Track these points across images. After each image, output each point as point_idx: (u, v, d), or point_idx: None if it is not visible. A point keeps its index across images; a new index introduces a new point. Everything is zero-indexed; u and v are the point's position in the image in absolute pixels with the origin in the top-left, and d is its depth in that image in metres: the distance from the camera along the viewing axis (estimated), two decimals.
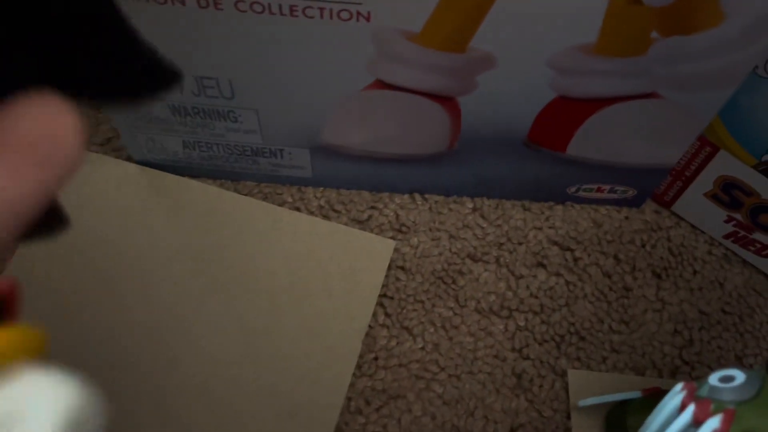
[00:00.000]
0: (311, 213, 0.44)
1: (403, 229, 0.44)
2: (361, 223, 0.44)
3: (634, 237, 0.45)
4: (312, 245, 0.42)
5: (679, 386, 0.29)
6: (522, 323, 0.41)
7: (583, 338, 0.41)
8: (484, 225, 0.44)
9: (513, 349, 0.41)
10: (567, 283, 0.43)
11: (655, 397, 0.34)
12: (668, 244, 0.45)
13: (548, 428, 0.39)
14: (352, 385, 0.39)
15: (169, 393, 0.37)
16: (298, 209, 0.44)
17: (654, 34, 0.33)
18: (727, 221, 0.44)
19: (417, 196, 0.45)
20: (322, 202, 0.45)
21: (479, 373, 0.40)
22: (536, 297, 0.42)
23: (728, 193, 0.42)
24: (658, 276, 0.44)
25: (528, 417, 0.39)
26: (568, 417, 0.39)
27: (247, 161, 0.43)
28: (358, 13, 0.32)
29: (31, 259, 0.40)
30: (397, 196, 0.45)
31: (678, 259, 0.44)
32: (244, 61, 0.35)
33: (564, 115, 0.38)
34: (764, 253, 0.44)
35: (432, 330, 0.41)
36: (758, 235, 0.43)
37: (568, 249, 0.44)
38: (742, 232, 0.43)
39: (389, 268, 0.42)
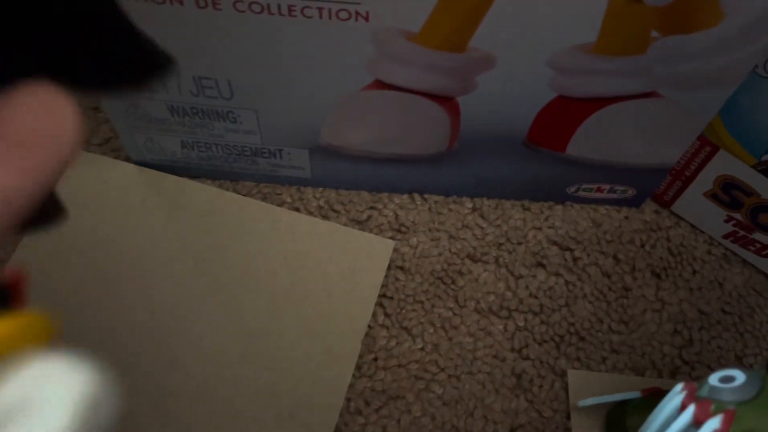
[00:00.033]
0: (310, 213, 0.44)
1: (403, 229, 0.44)
2: (361, 224, 0.44)
3: (633, 237, 0.45)
4: (311, 245, 0.42)
5: (680, 386, 0.29)
6: (521, 323, 0.41)
7: (582, 338, 0.41)
8: (484, 225, 0.44)
9: (512, 350, 0.41)
10: (566, 283, 0.43)
11: (654, 397, 0.34)
12: (668, 244, 0.45)
13: (548, 428, 0.38)
14: (351, 385, 0.39)
15: (169, 393, 0.37)
16: (297, 209, 0.44)
17: (654, 34, 0.33)
18: (726, 221, 0.44)
19: (416, 196, 0.45)
20: (321, 203, 0.45)
21: (479, 373, 0.40)
22: (536, 297, 0.42)
23: (728, 193, 0.42)
24: (658, 276, 0.44)
25: (528, 417, 0.39)
26: (568, 417, 0.39)
27: (246, 161, 0.43)
28: (357, 13, 0.32)
29: (32, 259, 0.40)
30: (397, 197, 0.45)
31: (677, 259, 0.44)
32: (243, 61, 0.35)
33: (564, 114, 0.38)
34: (764, 252, 0.43)
35: (431, 330, 0.41)
36: (758, 235, 0.43)
37: (568, 249, 0.44)
38: (742, 232, 0.43)
39: (389, 268, 0.42)
